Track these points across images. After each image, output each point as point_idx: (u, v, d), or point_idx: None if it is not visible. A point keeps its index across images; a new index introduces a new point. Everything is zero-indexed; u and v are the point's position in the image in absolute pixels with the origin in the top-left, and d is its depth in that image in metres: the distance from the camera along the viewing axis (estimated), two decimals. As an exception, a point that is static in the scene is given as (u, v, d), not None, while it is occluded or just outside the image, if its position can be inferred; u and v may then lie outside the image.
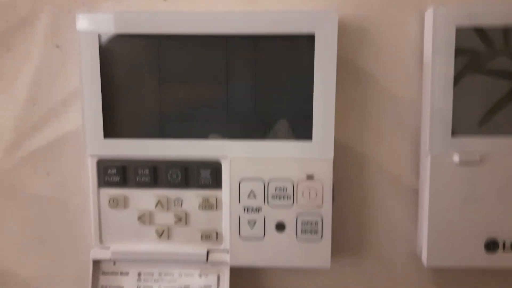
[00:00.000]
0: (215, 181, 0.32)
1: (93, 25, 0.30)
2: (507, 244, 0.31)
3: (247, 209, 0.32)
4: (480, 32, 0.30)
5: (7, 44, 0.33)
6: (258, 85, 0.31)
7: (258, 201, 0.31)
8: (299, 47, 0.30)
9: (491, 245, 0.31)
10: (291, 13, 0.30)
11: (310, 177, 0.31)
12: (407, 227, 0.33)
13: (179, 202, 0.32)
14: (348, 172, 0.33)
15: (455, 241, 0.31)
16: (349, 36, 0.32)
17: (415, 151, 0.33)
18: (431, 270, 0.34)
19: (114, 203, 0.32)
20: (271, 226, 0.32)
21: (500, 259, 0.31)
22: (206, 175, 0.32)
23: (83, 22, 0.30)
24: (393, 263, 0.34)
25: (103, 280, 0.33)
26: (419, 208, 0.33)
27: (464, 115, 0.30)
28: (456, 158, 0.30)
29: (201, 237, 0.32)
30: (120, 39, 0.30)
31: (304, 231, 0.31)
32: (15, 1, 0.33)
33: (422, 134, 0.32)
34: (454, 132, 0.30)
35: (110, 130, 0.31)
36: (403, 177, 0.33)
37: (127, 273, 0.33)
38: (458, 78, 0.30)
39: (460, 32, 0.29)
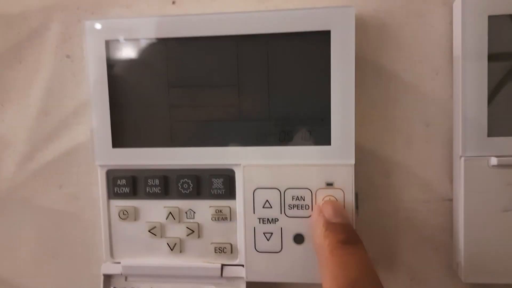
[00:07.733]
0: (229, 191, 0.30)
1: (100, 32, 0.29)
2: (558, 258, 0.27)
3: (262, 220, 0.29)
4: (516, 20, 0.27)
5: (19, 56, 0.33)
6: (272, 87, 0.29)
7: (274, 211, 0.29)
8: (314, 46, 0.28)
9: (539, 259, 0.28)
10: (304, 10, 0.28)
11: (329, 185, 0.29)
12: (441, 239, 0.30)
13: (191, 213, 0.31)
14: (373, 179, 0.30)
15: (495, 255, 0.28)
16: (369, 33, 0.29)
17: (448, 154, 0.29)
18: (469, 286, 0.30)
19: (125, 215, 0.31)
20: (288, 238, 0.29)
21: (550, 275, 0.28)
22: (219, 184, 0.30)
23: (90, 29, 0.29)
24: (426, 278, 0.31)
25: (114, 295, 0.32)
26: (454, 217, 0.29)
27: (502, 113, 0.27)
28: (493, 161, 0.27)
29: (215, 250, 0.31)
30: (128, 45, 0.29)
31: (325, 244, 0.29)
32: (25, 13, 0.33)
33: (455, 135, 0.29)
34: (490, 132, 0.27)
35: (119, 139, 0.30)
36: (434, 184, 0.30)
37: (139, 289, 0.32)
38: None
39: (494, 21, 0.27)
